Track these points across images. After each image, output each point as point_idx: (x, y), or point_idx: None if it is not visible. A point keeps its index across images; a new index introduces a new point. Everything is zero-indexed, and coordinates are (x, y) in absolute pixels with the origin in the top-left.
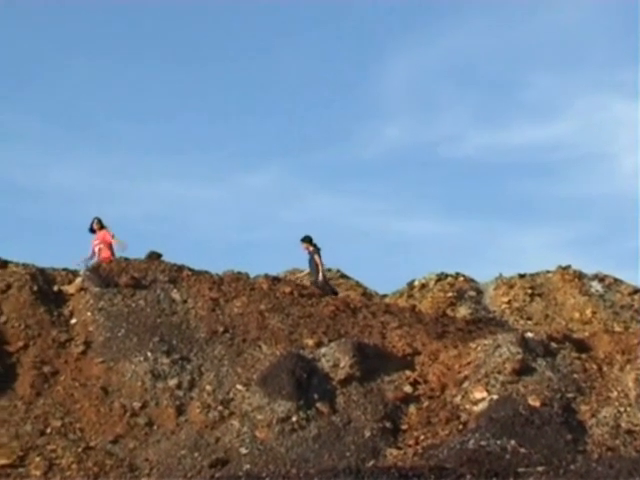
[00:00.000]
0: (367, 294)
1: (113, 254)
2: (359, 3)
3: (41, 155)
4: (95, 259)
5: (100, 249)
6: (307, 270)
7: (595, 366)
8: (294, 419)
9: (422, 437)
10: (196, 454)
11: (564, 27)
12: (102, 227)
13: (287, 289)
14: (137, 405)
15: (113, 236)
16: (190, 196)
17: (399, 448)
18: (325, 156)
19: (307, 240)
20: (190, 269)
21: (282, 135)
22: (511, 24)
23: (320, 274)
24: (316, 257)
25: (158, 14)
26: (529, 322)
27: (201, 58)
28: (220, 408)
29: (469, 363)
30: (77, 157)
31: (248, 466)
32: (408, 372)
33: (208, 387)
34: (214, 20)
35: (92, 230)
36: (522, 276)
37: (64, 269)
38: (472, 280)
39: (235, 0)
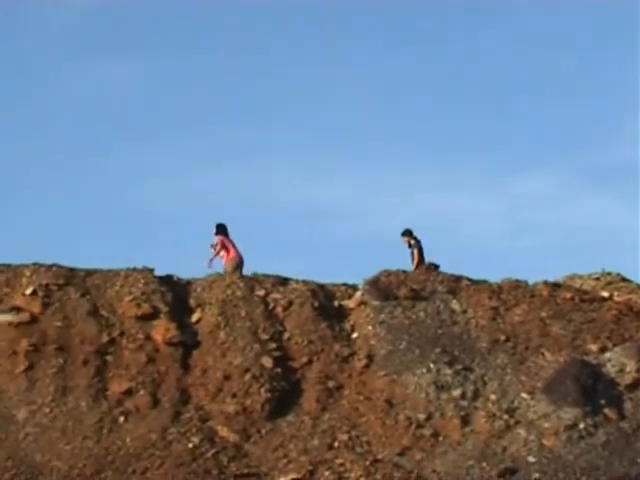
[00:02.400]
0: None
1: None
2: None
3: (304, 171)
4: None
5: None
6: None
7: None
8: (581, 426)
9: None
10: (484, 464)
11: None
12: (217, 233)
13: (568, 295)
14: (422, 417)
15: (212, 245)
16: (459, 204)
17: None
18: (600, 157)
19: (407, 234)
20: (468, 279)
21: (553, 136)
22: None
23: (412, 268)
24: (415, 251)
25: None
26: None
27: (462, 60)
28: (505, 417)
29: None
30: (341, 172)
31: (537, 475)
32: None
33: (492, 396)
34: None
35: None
36: None
37: (343, 284)
38: None
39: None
